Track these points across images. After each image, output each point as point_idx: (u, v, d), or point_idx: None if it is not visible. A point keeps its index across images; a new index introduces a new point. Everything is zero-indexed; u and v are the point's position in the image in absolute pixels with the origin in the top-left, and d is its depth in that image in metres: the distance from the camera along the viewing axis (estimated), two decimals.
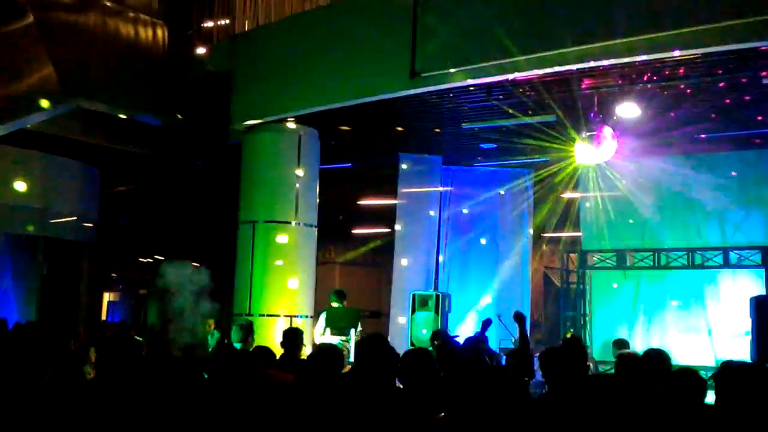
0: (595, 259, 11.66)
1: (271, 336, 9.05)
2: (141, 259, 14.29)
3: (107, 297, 14.69)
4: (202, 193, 12.62)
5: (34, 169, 11.15)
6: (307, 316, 10.01)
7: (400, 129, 10.66)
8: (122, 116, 9.37)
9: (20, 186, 10.89)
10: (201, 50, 10.33)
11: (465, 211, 12.21)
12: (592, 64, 7.24)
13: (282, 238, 9.98)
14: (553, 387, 3.75)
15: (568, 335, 9.32)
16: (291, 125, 9.98)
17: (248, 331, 7.52)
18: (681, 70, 7.88)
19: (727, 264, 10.59)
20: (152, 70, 9.52)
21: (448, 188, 12.15)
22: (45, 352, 3.41)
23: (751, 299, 8.93)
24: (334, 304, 9.90)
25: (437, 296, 10.27)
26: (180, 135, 10.33)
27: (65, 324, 9.95)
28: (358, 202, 12.88)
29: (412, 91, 8.27)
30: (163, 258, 14.37)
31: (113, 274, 14.45)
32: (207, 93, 10.08)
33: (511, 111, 9.15)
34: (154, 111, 9.73)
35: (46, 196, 11.28)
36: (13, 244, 12.47)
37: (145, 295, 14.48)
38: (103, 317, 14.22)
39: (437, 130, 10.51)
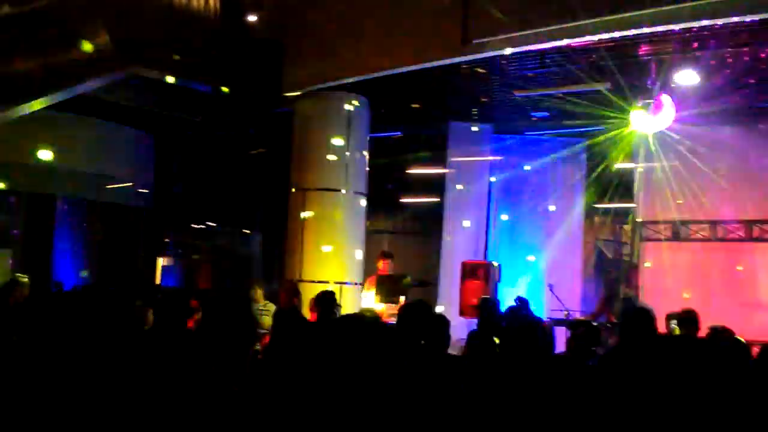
0: (649, 230, 11.42)
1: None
2: (194, 225, 14.55)
3: (161, 262, 14.99)
4: (255, 161, 12.75)
5: (91, 135, 11.42)
6: (355, 283, 10.08)
7: (451, 97, 10.56)
8: (175, 83, 9.47)
9: (78, 152, 11.17)
10: (252, 17, 10.35)
11: (516, 181, 12.06)
12: (655, 29, 7.04)
13: (331, 206, 10.05)
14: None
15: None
16: (342, 93, 9.98)
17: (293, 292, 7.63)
18: (743, 37, 7.59)
19: None
20: (205, 38, 9.58)
21: (498, 157, 12.01)
22: (113, 313, 3.51)
23: None
24: (380, 264, 9.93)
25: (487, 265, 10.20)
26: (232, 102, 10.41)
27: (127, 287, 10.24)
28: (407, 171, 12.84)
29: (463, 59, 8.16)
30: (215, 224, 14.65)
31: (167, 240, 14.74)
32: (258, 60, 10.12)
33: (565, 78, 8.96)
34: (206, 78, 9.82)
35: (103, 162, 11.55)
36: (72, 209, 12.83)
37: (197, 260, 14.79)
38: (157, 281, 14.54)
39: (484, 99, 10.37)
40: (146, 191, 12.70)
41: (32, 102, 8.39)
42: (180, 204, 13.71)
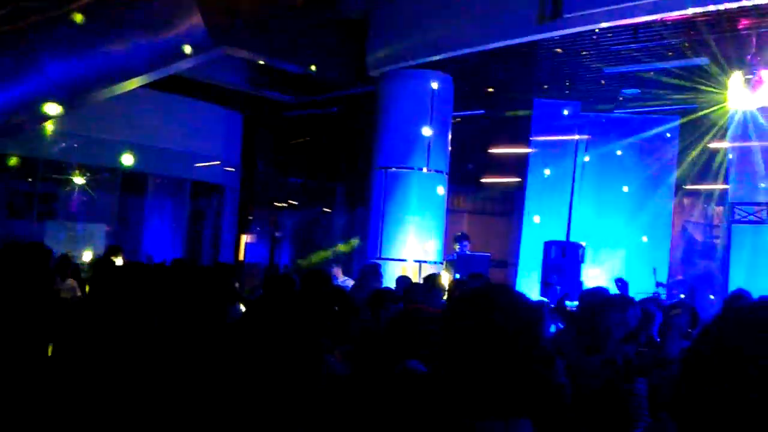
0: (741, 212, 10.98)
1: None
2: (276, 204, 14.85)
3: (245, 239, 15.39)
4: (338, 140, 12.88)
5: (181, 113, 11.76)
6: (435, 262, 10.10)
7: (536, 74, 10.38)
8: (263, 62, 9.65)
9: (168, 130, 11.53)
10: None
11: (602, 160, 11.78)
12: (752, 1, 6.72)
13: (413, 184, 10.07)
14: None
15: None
16: (425, 71, 9.95)
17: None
18: None
19: None
20: (292, 18, 9.71)
21: (585, 136, 11.74)
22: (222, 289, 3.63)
23: None
24: (456, 247, 9.93)
25: (571, 245, 10.05)
26: (317, 81, 10.54)
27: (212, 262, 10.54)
28: (490, 151, 12.72)
29: (554, 34, 8.00)
30: (297, 203, 14.92)
31: (250, 217, 15.11)
32: (343, 39, 10.20)
33: (658, 53, 8.67)
34: (293, 58, 9.96)
35: (192, 141, 11.89)
36: (162, 186, 13.29)
37: (280, 237, 15.11)
38: (241, 257, 14.93)
39: (572, 76, 10.14)
40: (232, 169, 13.01)
41: (127, 81, 8.72)
42: (264, 182, 14.00)
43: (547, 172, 11.52)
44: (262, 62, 9.62)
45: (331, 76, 10.35)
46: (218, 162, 12.39)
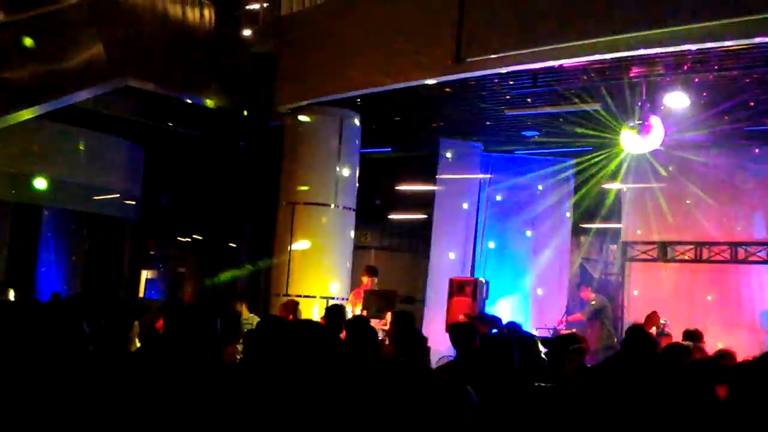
0: (635, 250, 11.52)
1: (307, 317, 9.13)
2: (180, 238, 14.49)
3: (145, 274, 14.91)
4: (244, 174, 12.74)
5: (80, 145, 11.35)
6: (342, 299, 10.08)
7: (441, 114, 10.64)
8: (168, 96, 9.47)
9: (66, 162, 11.10)
10: (247, 32, 10.40)
11: (504, 198, 12.14)
12: (642, 52, 7.15)
13: (320, 221, 10.07)
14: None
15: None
16: (333, 108, 10.02)
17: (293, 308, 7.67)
18: (732, 61, 7.72)
19: None
20: (198, 51, 9.61)
21: (488, 175, 12.09)
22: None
23: None
24: (365, 279, 9.94)
25: (475, 282, 10.23)
26: (224, 116, 10.43)
27: (109, 299, 10.11)
28: (397, 187, 12.87)
29: (456, 77, 8.23)
30: (201, 237, 14.58)
31: (152, 252, 14.66)
32: (251, 75, 10.16)
33: (556, 98, 9.07)
34: (199, 91, 9.84)
35: (91, 173, 11.48)
36: (58, 219, 12.74)
37: (182, 273, 14.70)
38: (141, 294, 14.44)
39: (475, 117, 10.43)
40: (133, 202, 12.63)
41: (23, 111, 8.36)
42: (167, 216, 13.65)
43: (449, 206, 11.72)
44: (165, 94, 9.44)
45: (238, 111, 10.26)
46: (118, 195, 12.00)
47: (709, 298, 10.80)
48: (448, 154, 11.69)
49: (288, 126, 10.33)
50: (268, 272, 10.65)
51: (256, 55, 10.21)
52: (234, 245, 14.64)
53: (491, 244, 12.18)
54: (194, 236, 14.41)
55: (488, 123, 10.70)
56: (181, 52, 9.47)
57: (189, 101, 10.00)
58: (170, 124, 11.27)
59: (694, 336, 7.30)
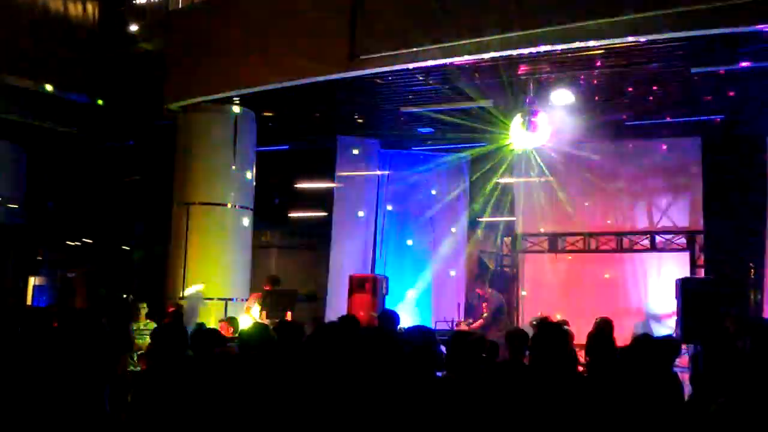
0: (527, 242, 11.90)
1: (204, 320, 8.92)
2: (69, 242, 13.86)
3: (33, 281, 14.17)
4: (135, 174, 12.31)
5: None
6: (241, 299, 9.93)
7: (337, 112, 10.62)
8: (50, 93, 9.03)
9: None
10: (133, 27, 10.04)
11: (402, 194, 12.25)
12: (529, 50, 7.38)
13: (216, 221, 9.86)
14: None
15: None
16: (227, 106, 9.83)
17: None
18: (610, 59, 8.08)
19: (654, 248, 10.98)
20: (82, 47, 9.22)
21: (386, 172, 12.18)
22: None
23: (677, 281, 9.28)
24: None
25: (374, 278, 10.29)
26: (111, 114, 10.04)
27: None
28: (295, 185, 12.77)
29: (350, 74, 8.24)
30: (91, 241, 13.99)
31: (39, 258, 13.95)
32: (139, 71, 9.83)
33: (449, 95, 9.23)
34: (84, 88, 9.43)
35: None
36: None
37: (72, 278, 14.06)
38: (29, 301, 13.72)
39: (371, 115, 10.48)
40: (16, 206, 11.98)
41: None
42: (54, 220, 13.02)
43: (348, 203, 11.73)
44: (48, 92, 9.00)
45: (126, 109, 9.90)
46: None
47: (598, 286, 11.26)
48: (345, 151, 11.68)
49: (180, 124, 10.05)
50: (165, 275, 10.34)
51: (145, 52, 9.88)
52: (127, 248, 14.13)
53: (388, 240, 12.25)
54: (84, 240, 13.82)
55: (384, 120, 10.78)
56: (63, 48, 9.06)
57: (72, 99, 9.56)
58: (52, 124, 10.74)
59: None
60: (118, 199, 12.72)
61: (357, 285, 10.27)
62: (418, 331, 4.65)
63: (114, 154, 12.14)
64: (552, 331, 5.18)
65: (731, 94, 8.87)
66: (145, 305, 8.14)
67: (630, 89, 8.96)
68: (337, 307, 11.18)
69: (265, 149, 11.02)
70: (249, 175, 10.21)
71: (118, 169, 12.35)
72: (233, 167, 9.91)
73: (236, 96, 9.46)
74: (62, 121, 10.68)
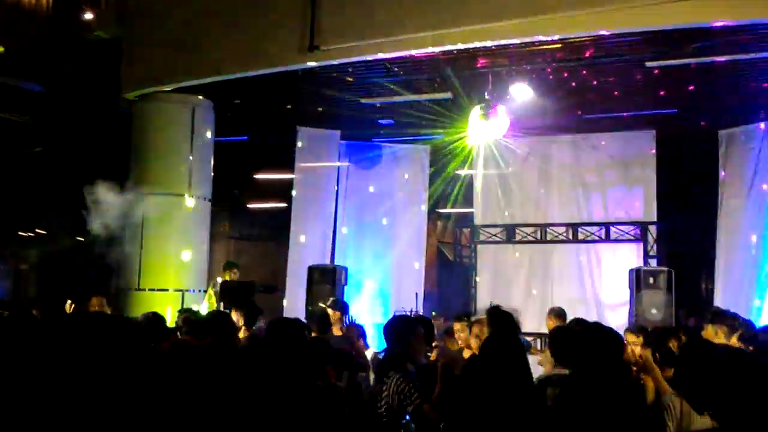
0: (485, 233, 12.03)
1: (160, 311, 8.82)
2: (21, 233, 13.56)
3: None
4: (90, 163, 12.08)
5: None
6: (198, 291, 9.85)
7: (297, 102, 10.58)
8: (2, 82, 8.81)
9: None
10: (88, 15, 9.84)
11: (362, 185, 12.27)
12: (488, 43, 7.45)
13: (174, 211, 9.75)
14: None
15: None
16: (184, 96, 9.70)
17: None
18: (568, 53, 8.22)
19: (608, 238, 11.20)
20: (35, 34, 9.00)
21: (345, 163, 12.17)
22: None
23: (630, 271, 9.51)
24: (226, 276, 9.81)
25: (334, 269, 10.30)
26: (65, 103, 9.83)
27: None
28: (254, 176, 12.70)
29: (310, 65, 8.21)
30: (45, 232, 13.71)
31: None
32: (95, 59, 9.64)
33: (409, 87, 9.27)
34: (37, 77, 9.22)
35: None
36: None
37: (26, 270, 13.78)
38: None
39: (331, 105, 10.46)
40: None
41: None
42: (4, 210, 12.71)
43: (307, 194, 11.69)
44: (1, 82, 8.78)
45: (81, 98, 9.71)
46: None
47: (553, 276, 11.44)
48: (305, 142, 11.64)
49: (136, 114, 9.90)
50: (120, 266, 10.18)
51: (100, 40, 9.68)
52: (82, 239, 13.87)
53: (348, 231, 12.26)
54: (37, 230, 13.54)
55: (345, 111, 10.76)
56: (15, 35, 8.84)
57: (25, 88, 9.34)
58: (5, 113, 10.48)
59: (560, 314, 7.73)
60: (73, 189, 12.46)
61: (316, 276, 10.28)
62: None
63: (68, 143, 11.89)
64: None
65: (690, 88, 9.09)
66: (98, 299, 7.96)
67: (586, 83, 9.12)
68: (295, 298, 11.18)
69: (224, 139, 10.92)
70: (207, 165, 10.11)
71: (74, 159, 12.10)
72: (191, 157, 9.80)
73: (193, 85, 9.33)
74: (16, 110, 10.43)
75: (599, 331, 3.78)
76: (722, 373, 2.67)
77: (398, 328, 4.70)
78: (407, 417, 4.28)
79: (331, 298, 8.24)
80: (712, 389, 2.91)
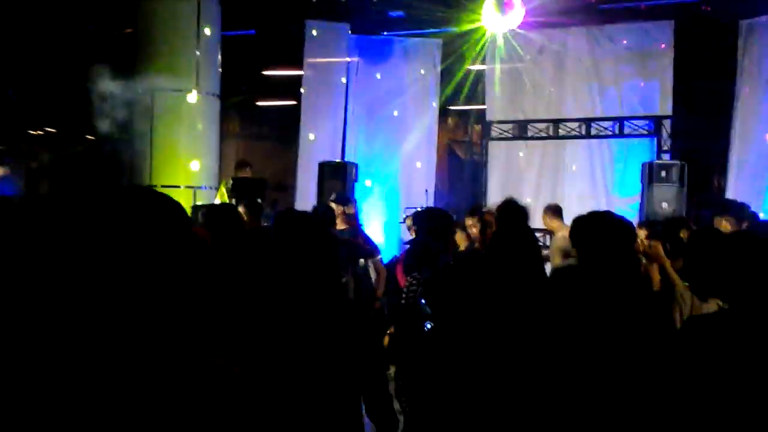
0: (496, 130, 11.90)
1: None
2: (31, 132, 13.55)
3: None
4: (97, 61, 11.90)
5: None
6: (210, 188, 9.89)
7: None
8: None
9: None
10: None
11: (372, 81, 12.06)
12: None
13: (182, 107, 9.66)
14: None
15: None
16: None
17: None
18: None
19: (621, 133, 11.06)
20: None
21: (355, 58, 11.92)
22: None
23: (642, 164, 9.43)
24: (238, 174, 9.81)
25: (344, 165, 10.27)
26: None
27: None
28: (263, 73, 12.48)
29: None
30: (54, 130, 13.68)
31: (1, 147, 13.64)
32: None
33: None
34: None
35: None
36: None
37: (37, 168, 13.85)
38: None
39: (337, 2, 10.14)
40: None
41: None
42: (15, 109, 12.65)
43: (317, 90, 11.52)
44: None
45: None
46: None
47: (566, 171, 11.37)
48: (314, 36, 11.37)
49: (141, 9, 9.66)
50: (130, 163, 10.19)
51: None
52: (92, 137, 13.85)
53: (358, 128, 12.14)
54: (47, 129, 13.51)
55: (354, 2, 10.46)
56: None
57: None
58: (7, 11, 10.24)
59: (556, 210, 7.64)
60: (79, 88, 12.34)
61: (327, 172, 10.27)
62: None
63: (75, 40, 11.67)
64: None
65: None
66: None
67: None
68: (306, 195, 11.22)
69: (231, 33, 10.67)
70: (215, 59, 9.94)
71: (80, 57, 11.91)
72: (198, 52, 9.62)
73: None
74: (19, 6, 10.19)
75: (607, 220, 3.63)
76: (731, 255, 2.64)
77: (437, 219, 4.61)
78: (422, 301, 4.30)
79: (334, 193, 8.24)
80: (721, 272, 2.89)
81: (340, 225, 7.04)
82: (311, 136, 11.57)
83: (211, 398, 1.30)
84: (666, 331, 3.07)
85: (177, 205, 1.41)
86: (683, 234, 5.53)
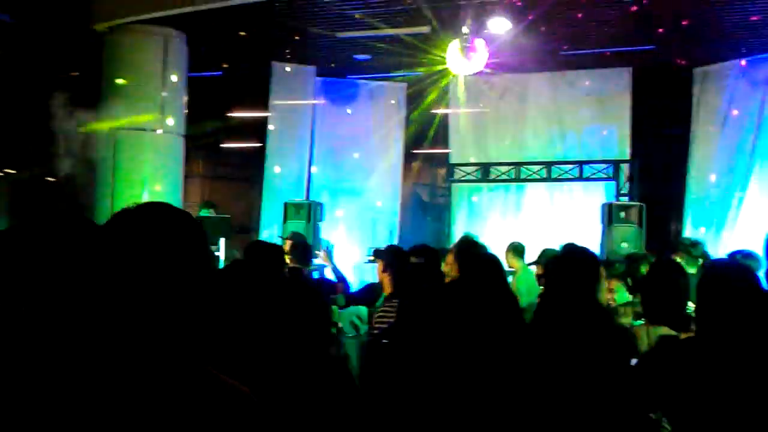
0: (460, 172, 12.06)
1: None
2: None
3: None
4: (60, 99, 11.80)
5: None
6: None
7: (272, 36, 10.37)
8: None
9: None
10: None
11: (337, 123, 12.16)
12: None
13: (146, 147, 9.61)
14: None
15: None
16: (157, 27, 9.47)
17: None
18: None
19: (581, 177, 11.29)
20: None
21: (321, 100, 12.04)
22: None
23: (602, 205, 9.64)
24: (204, 213, 9.77)
25: (309, 205, 10.28)
26: (34, 34, 9.53)
27: None
28: (228, 114, 12.48)
29: None
30: (13, 171, 13.40)
31: None
32: None
33: (386, 21, 9.12)
34: (4, 8, 8.91)
35: None
36: None
37: None
38: None
39: (307, 39, 10.28)
40: None
41: None
42: None
43: (282, 133, 11.58)
44: None
45: (49, 29, 9.41)
46: None
47: (527, 214, 11.53)
48: (280, 78, 11.47)
49: (107, 46, 9.65)
50: (92, 206, 10.05)
51: None
52: (52, 179, 13.63)
53: (323, 169, 12.18)
54: (5, 170, 13.24)
55: (321, 45, 10.59)
56: None
57: None
58: None
59: (517, 248, 7.76)
60: (40, 127, 12.20)
61: (292, 212, 10.27)
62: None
63: (37, 77, 11.57)
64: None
65: (667, 23, 9.03)
66: None
67: (565, 18, 9.04)
68: (271, 235, 11.16)
69: (198, 75, 10.70)
70: (180, 100, 9.94)
71: (41, 95, 11.80)
72: (164, 93, 9.62)
73: (167, 17, 9.09)
74: None
75: (570, 253, 3.61)
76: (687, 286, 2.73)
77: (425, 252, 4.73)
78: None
79: (291, 231, 8.24)
80: (677, 302, 2.97)
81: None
82: (276, 174, 11.58)
83: (219, 416, 1.32)
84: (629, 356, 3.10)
85: (195, 222, 1.46)
86: (645, 268, 5.63)
